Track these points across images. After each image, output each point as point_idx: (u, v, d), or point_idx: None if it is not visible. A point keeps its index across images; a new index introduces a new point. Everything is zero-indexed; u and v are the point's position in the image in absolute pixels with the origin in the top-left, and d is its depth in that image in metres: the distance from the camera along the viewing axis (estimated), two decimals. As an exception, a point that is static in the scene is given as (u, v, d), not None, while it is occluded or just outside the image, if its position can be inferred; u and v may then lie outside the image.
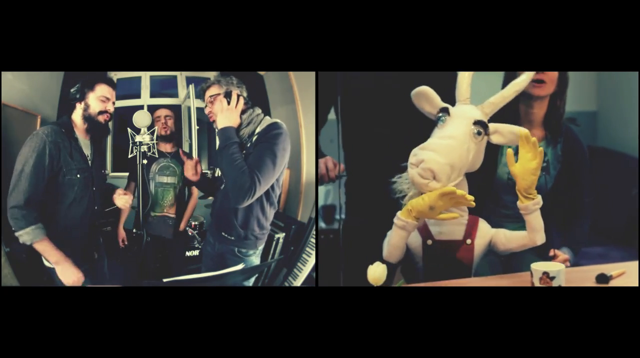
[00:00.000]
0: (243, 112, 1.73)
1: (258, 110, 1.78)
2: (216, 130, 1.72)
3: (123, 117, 3.27)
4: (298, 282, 2.27)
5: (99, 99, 1.61)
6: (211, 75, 1.77)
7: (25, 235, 1.48)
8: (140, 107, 3.35)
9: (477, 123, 1.42)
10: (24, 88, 2.38)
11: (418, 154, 1.38)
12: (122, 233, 2.31)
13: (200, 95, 1.81)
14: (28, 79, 2.42)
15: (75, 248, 1.62)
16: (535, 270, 1.35)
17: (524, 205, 1.41)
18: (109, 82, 1.66)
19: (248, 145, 1.69)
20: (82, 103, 1.61)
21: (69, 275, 1.54)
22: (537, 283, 1.33)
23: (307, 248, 2.34)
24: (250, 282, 1.90)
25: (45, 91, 2.58)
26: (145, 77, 3.49)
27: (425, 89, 1.46)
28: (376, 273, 1.36)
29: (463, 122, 1.42)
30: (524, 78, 1.49)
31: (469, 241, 1.47)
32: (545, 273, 1.32)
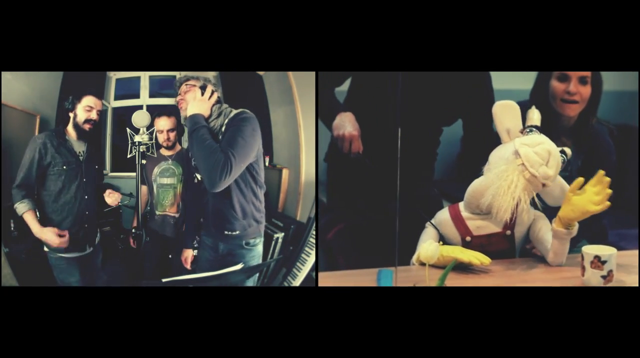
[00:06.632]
0: (213, 105, 1.77)
1: (226, 105, 1.82)
2: (183, 118, 1.75)
3: (122, 117, 3.28)
4: (297, 282, 2.28)
5: (85, 108, 1.89)
6: (211, 75, 1.78)
7: (20, 206, 1.82)
8: (140, 107, 3.35)
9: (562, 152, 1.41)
10: (24, 88, 2.38)
11: (529, 138, 1.36)
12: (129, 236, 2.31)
13: (176, 87, 1.85)
14: (27, 79, 2.42)
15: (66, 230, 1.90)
16: (586, 253, 1.32)
17: (558, 230, 1.37)
18: (96, 94, 1.95)
19: (220, 137, 1.68)
20: (73, 113, 1.91)
21: (54, 239, 1.84)
22: (587, 267, 1.31)
23: (307, 248, 2.35)
24: (252, 282, 1.89)
25: (45, 91, 2.58)
26: (145, 77, 3.49)
27: (512, 103, 1.44)
28: (428, 251, 1.32)
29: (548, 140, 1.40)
30: (536, 117, 1.45)
31: (508, 232, 1.44)
32: (597, 257, 1.30)
